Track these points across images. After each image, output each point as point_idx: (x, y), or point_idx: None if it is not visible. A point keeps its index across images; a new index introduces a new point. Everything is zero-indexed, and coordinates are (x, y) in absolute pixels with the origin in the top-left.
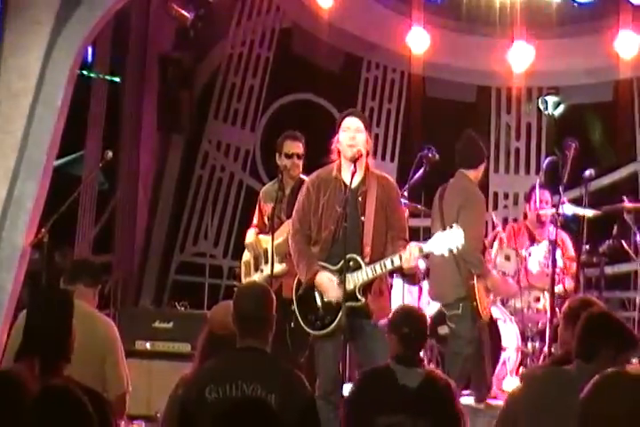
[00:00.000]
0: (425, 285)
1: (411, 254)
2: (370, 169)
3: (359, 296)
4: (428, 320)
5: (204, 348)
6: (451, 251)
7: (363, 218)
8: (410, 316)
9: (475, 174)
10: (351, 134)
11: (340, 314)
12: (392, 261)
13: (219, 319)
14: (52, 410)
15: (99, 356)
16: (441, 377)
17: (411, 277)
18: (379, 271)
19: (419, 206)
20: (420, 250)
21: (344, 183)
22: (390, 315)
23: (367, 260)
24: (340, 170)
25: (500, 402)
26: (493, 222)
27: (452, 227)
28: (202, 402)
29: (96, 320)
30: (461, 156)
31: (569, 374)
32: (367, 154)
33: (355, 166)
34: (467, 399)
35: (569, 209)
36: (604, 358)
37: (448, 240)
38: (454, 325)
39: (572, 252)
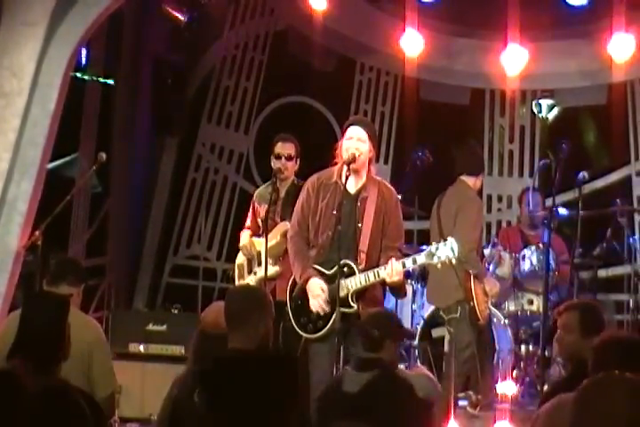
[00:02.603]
0: (418, 288)
1: (393, 269)
2: (371, 176)
3: (352, 303)
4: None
5: (196, 348)
6: (444, 262)
7: (360, 224)
8: (367, 319)
9: (474, 182)
10: (354, 144)
11: (333, 319)
12: (378, 273)
13: (211, 319)
14: (53, 409)
15: (84, 356)
16: (391, 379)
17: (396, 289)
18: (372, 279)
19: (412, 209)
20: (403, 265)
21: (344, 188)
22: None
23: (362, 266)
24: (340, 175)
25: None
26: (493, 242)
27: (446, 240)
28: (191, 405)
29: (80, 320)
30: (462, 162)
31: None
32: (370, 161)
33: (348, 169)
34: (462, 403)
35: (562, 212)
36: None
37: (441, 252)
38: (453, 328)
39: (565, 255)
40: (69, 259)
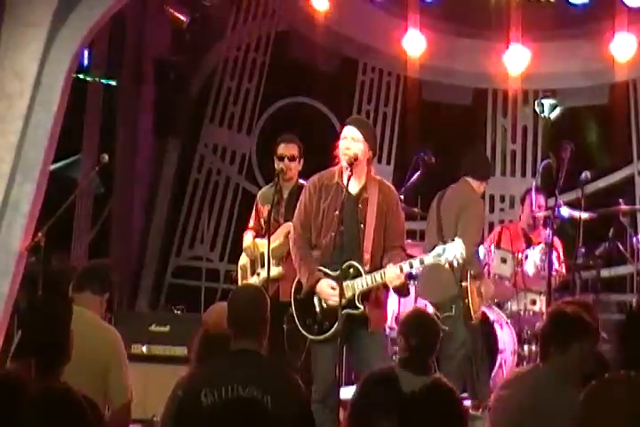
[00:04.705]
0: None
1: (392, 273)
2: (371, 176)
3: (358, 304)
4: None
5: (199, 349)
6: (451, 262)
7: (362, 225)
8: (421, 325)
9: (478, 186)
10: (346, 144)
11: (339, 320)
12: (385, 273)
13: (214, 320)
14: (54, 411)
15: (101, 364)
16: (445, 386)
17: (399, 289)
18: (378, 280)
19: (415, 209)
20: (401, 269)
21: (345, 189)
22: (403, 318)
23: (367, 267)
24: (341, 176)
25: None
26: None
27: (453, 240)
28: (198, 406)
29: (98, 329)
30: (470, 164)
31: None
32: (368, 161)
33: (350, 170)
34: (465, 404)
35: (565, 212)
36: None
37: (449, 252)
38: (448, 327)
39: (562, 256)
40: (97, 266)
